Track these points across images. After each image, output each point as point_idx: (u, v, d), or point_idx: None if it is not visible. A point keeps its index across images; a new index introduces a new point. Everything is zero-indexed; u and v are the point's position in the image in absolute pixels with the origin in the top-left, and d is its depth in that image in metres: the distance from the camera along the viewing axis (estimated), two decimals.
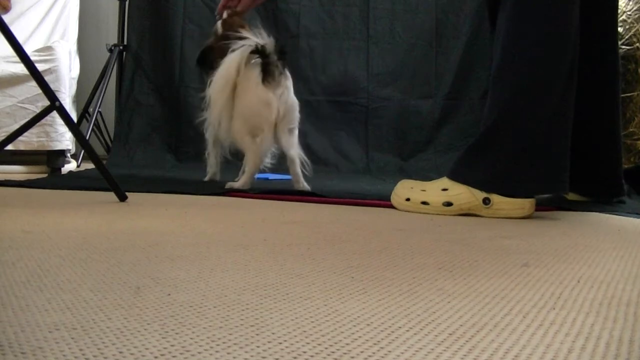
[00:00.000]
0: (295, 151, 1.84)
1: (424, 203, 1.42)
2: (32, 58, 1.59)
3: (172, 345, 0.45)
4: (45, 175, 2.19)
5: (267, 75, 1.75)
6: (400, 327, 0.52)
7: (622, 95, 2.23)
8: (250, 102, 1.78)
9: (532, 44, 1.35)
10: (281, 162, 2.41)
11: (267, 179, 2.21)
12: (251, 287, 0.64)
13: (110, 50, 2.91)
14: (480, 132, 1.41)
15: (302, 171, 1.85)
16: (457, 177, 1.40)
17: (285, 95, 1.80)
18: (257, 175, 2.07)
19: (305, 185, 1.83)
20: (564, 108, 1.36)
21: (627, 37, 2.35)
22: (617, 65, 1.68)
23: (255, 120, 1.78)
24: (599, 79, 1.61)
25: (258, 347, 0.46)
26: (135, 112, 2.91)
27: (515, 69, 1.36)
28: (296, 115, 1.86)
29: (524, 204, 1.36)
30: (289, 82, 1.81)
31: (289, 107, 1.82)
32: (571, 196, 1.65)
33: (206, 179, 2.04)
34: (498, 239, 1.09)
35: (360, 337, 0.49)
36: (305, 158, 1.88)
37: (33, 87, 2.20)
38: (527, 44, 1.35)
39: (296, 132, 1.88)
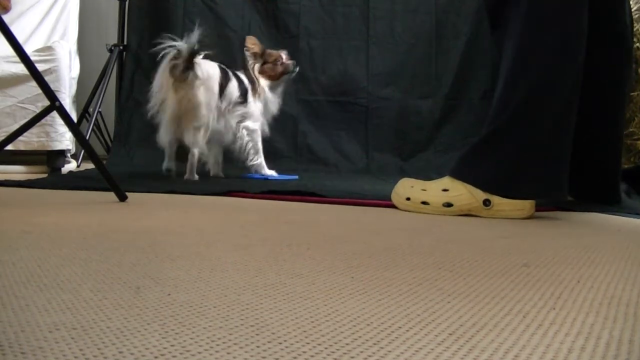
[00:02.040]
0: (196, 149, 2.04)
1: (424, 203, 1.42)
2: (32, 58, 1.59)
3: (172, 345, 0.45)
4: (45, 175, 2.19)
5: (173, 76, 1.95)
6: (400, 327, 0.52)
7: None
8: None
9: (546, 51, 1.35)
10: (279, 163, 2.41)
11: (266, 179, 2.21)
12: (251, 287, 0.64)
13: (110, 50, 2.91)
14: (485, 132, 1.40)
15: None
16: (459, 175, 1.40)
17: (189, 94, 1.97)
18: (254, 175, 2.15)
19: (194, 177, 2.05)
20: (568, 114, 1.36)
21: None
22: (626, 73, 1.68)
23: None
24: (605, 84, 1.61)
25: (258, 347, 0.46)
26: (135, 112, 2.91)
27: (529, 76, 1.36)
28: (199, 113, 2.02)
29: (524, 206, 1.36)
30: (198, 82, 1.98)
31: (191, 106, 2.00)
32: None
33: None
34: (498, 239, 1.09)
35: (360, 337, 0.49)
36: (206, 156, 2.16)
37: (33, 87, 2.20)
38: (542, 51, 1.36)
39: (201, 130, 2.05)
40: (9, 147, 1.67)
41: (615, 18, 1.61)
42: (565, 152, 1.38)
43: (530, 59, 1.37)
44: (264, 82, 2.25)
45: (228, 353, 0.44)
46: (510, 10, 1.39)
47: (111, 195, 1.43)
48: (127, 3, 2.96)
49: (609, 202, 1.62)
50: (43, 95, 1.42)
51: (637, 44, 2.32)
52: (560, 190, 1.41)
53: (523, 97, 1.36)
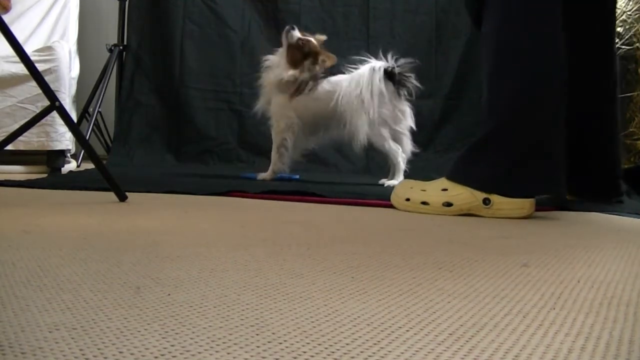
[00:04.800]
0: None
1: (424, 203, 1.41)
2: (32, 58, 1.59)
3: (172, 345, 0.45)
4: (45, 175, 2.19)
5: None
6: (400, 327, 0.52)
7: (622, 95, 2.22)
8: None
9: (524, 53, 1.36)
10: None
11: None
12: (251, 287, 0.64)
13: (110, 50, 2.91)
14: (480, 134, 1.40)
15: None
16: (456, 178, 1.40)
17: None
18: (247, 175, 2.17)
19: None
20: (560, 109, 1.36)
21: (627, 37, 2.35)
22: (615, 65, 1.69)
23: None
24: (597, 79, 1.62)
25: (258, 347, 0.46)
26: (135, 112, 2.91)
27: (512, 72, 1.36)
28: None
29: (524, 204, 1.36)
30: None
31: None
32: (568, 196, 1.65)
33: None
34: (498, 239, 1.09)
35: (360, 337, 0.49)
36: None
37: (33, 87, 2.20)
38: (521, 45, 1.36)
39: None
40: (9, 147, 1.67)
41: (598, 17, 1.62)
42: (559, 149, 1.38)
43: (511, 56, 1.37)
44: None
45: (228, 353, 0.44)
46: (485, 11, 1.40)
47: (111, 195, 1.43)
48: (127, 3, 2.96)
49: (610, 199, 1.63)
50: (43, 95, 1.42)
51: (637, 44, 2.32)
52: (557, 186, 1.41)
53: (511, 95, 1.36)
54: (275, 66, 2.20)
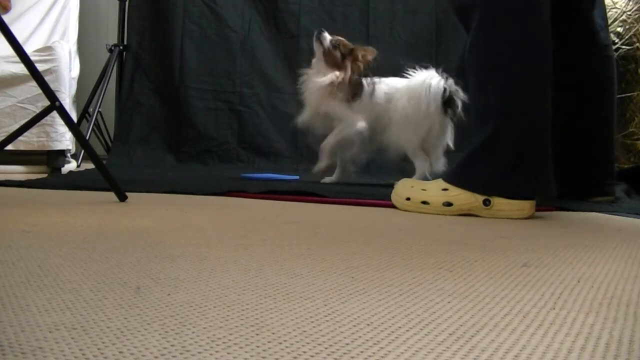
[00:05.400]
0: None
1: (424, 203, 1.41)
2: (32, 58, 1.59)
3: (172, 345, 0.45)
4: (45, 175, 2.19)
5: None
6: (400, 327, 0.52)
7: (622, 95, 2.22)
8: None
9: (509, 56, 1.36)
10: (279, 163, 2.42)
11: (267, 179, 2.21)
12: (251, 287, 0.64)
13: (110, 50, 2.91)
14: (478, 140, 1.39)
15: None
16: (455, 181, 1.40)
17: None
18: (249, 175, 2.15)
19: None
20: (543, 112, 1.36)
21: (627, 37, 2.35)
22: (604, 68, 1.70)
23: None
24: (584, 82, 1.63)
25: (258, 347, 0.46)
26: (135, 112, 2.91)
27: (504, 73, 1.36)
28: None
29: (524, 205, 1.36)
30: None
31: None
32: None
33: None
34: (498, 239, 1.09)
35: (360, 337, 0.49)
36: None
37: (33, 87, 2.20)
38: (504, 57, 1.37)
39: None
40: (9, 147, 1.67)
41: (585, 18, 1.63)
42: (548, 148, 1.37)
43: (500, 63, 1.37)
44: None
45: (228, 353, 0.44)
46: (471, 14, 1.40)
47: (111, 195, 1.43)
48: (127, 3, 2.96)
49: (588, 198, 1.64)
50: (43, 95, 1.42)
51: (637, 44, 2.32)
52: (550, 184, 1.41)
53: (504, 96, 1.36)
54: (315, 75, 2.14)
